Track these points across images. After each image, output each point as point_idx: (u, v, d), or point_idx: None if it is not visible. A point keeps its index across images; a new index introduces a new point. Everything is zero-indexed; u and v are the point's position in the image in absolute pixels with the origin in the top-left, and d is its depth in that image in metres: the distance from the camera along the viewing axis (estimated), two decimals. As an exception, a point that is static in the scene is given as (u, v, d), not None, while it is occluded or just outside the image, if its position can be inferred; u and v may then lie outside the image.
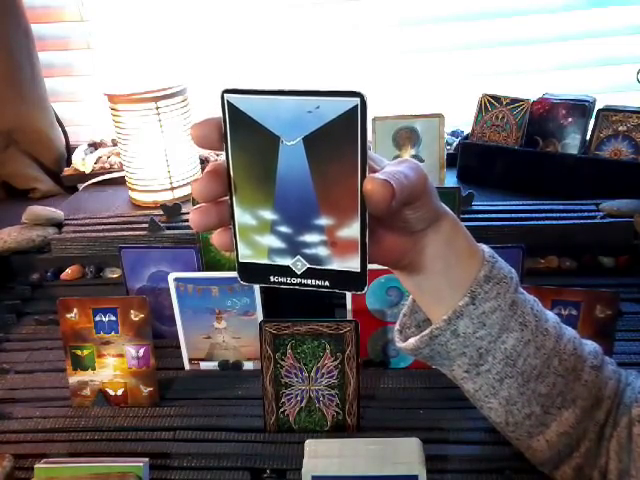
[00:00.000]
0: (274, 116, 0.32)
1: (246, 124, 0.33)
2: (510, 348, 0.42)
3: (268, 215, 0.35)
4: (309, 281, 0.36)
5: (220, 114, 0.34)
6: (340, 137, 0.32)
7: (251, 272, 0.37)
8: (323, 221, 0.34)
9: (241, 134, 0.34)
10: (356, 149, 0.32)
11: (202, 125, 0.35)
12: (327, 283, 0.36)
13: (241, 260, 0.37)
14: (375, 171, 0.35)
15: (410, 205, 0.37)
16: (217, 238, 0.38)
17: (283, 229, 0.35)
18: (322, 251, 0.35)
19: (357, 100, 0.31)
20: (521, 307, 0.42)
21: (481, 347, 0.42)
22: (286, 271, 0.36)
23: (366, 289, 0.36)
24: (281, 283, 0.37)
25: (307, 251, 0.35)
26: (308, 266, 0.36)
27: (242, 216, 0.36)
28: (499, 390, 0.43)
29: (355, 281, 0.36)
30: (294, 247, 0.36)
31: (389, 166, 0.37)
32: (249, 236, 0.36)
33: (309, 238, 0.35)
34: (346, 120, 0.31)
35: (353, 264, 0.35)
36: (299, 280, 0.36)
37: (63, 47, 1.31)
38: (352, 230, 0.34)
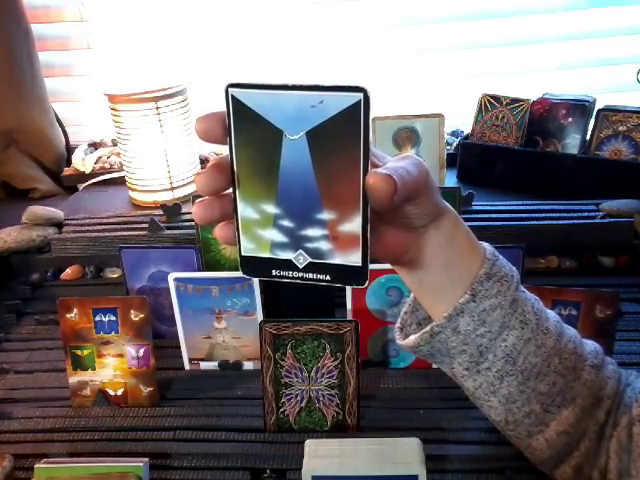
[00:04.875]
0: (278, 110, 0.33)
1: (250, 118, 0.33)
2: (510, 346, 0.42)
3: (271, 209, 0.35)
4: (311, 275, 0.36)
5: (224, 108, 0.34)
6: (343, 132, 0.32)
7: (253, 266, 0.37)
8: (325, 215, 0.34)
9: (245, 128, 0.34)
10: (359, 144, 0.32)
11: (206, 119, 0.35)
12: (328, 277, 0.36)
13: (243, 254, 0.37)
14: (377, 167, 0.35)
15: (412, 201, 0.37)
16: (220, 232, 0.38)
17: (285, 223, 0.35)
18: (324, 245, 0.35)
19: (360, 95, 0.31)
20: (522, 305, 0.42)
21: (481, 345, 0.42)
22: (288, 265, 0.36)
23: (367, 283, 0.36)
24: (283, 277, 0.37)
25: (309, 245, 0.35)
26: (310, 260, 0.36)
27: (245, 210, 0.36)
28: (499, 388, 0.43)
29: (356, 275, 0.36)
30: (296, 241, 0.36)
31: (391, 162, 0.37)
32: (252, 230, 0.36)
33: (311, 232, 0.35)
34: (349, 115, 0.31)
35: (354, 258, 0.35)
36: (301, 274, 0.37)
37: (63, 47, 1.31)
38: (354, 224, 0.34)
